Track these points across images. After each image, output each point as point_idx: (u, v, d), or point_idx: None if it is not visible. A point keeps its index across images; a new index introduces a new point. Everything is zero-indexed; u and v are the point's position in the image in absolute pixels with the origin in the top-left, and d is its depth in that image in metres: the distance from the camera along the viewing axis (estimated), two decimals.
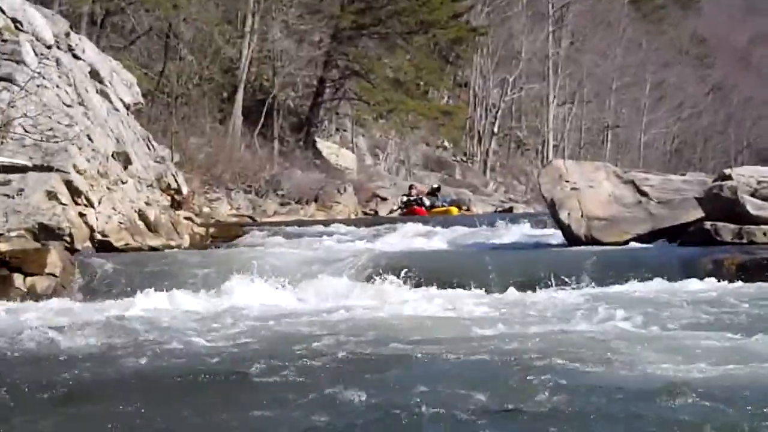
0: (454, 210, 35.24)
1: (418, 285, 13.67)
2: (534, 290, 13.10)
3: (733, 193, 16.43)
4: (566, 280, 13.40)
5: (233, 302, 12.52)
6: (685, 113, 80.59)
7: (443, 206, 35.69)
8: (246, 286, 13.30)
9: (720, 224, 15.98)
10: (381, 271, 14.09)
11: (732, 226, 15.91)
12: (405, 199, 36.20)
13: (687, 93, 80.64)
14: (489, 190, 54.80)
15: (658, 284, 13.04)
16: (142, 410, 6.66)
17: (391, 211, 36.91)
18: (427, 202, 35.48)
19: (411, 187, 38.21)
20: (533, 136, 68.57)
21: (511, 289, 13.19)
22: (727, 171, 17.92)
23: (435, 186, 39.69)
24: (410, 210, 34.83)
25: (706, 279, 13.24)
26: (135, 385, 7.52)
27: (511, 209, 41.26)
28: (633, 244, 17.11)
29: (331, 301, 12.61)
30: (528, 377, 7.26)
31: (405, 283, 13.73)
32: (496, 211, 39.94)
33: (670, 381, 7.02)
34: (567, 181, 18.60)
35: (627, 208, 18.15)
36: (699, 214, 17.10)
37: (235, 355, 8.61)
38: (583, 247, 16.92)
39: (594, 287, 13.09)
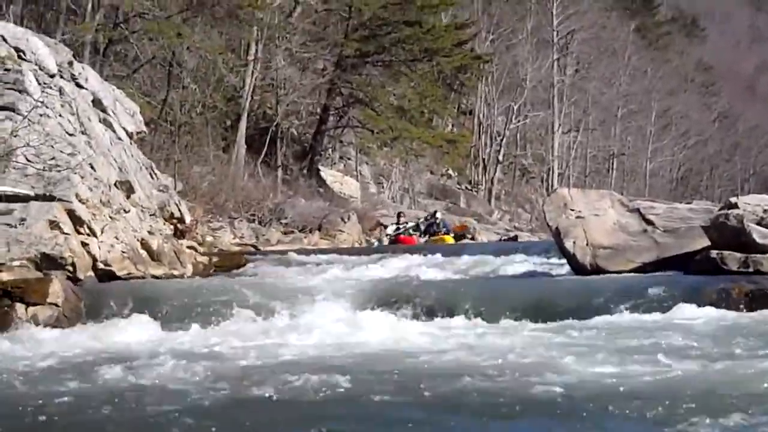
0: (448, 238, 33.31)
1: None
2: (541, 322, 12.98)
3: (739, 222, 16.32)
4: (573, 310, 13.29)
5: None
6: (691, 141, 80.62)
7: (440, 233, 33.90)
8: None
9: (726, 253, 15.86)
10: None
11: (738, 254, 15.80)
12: (393, 228, 34.47)
13: (693, 121, 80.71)
14: (494, 218, 54.76)
15: (663, 313, 12.93)
16: None
17: (379, 242, 34.61)
18: (415, 231, 33.65)
19: (399, 215, 36.43)
20: (538, 164, 68.57)
21: (520, 321, 13.10)
22: (734, 199, 17.82)
23: (431, 213, 37.41)
24: (397, 239, 33.06)
25: (712, 308, 13.12)
26: (132, 420, 7.43)
27: (516, 237, 41.21)
28: (638, 273, 17.01)
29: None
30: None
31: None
32: (500, 240, 39.90)
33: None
34: (572, 210, 18.52)
35: (632, 237, 18.05)
36: (705, 242, 16.99)
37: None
38: (588, 277, 16.83)
39: (599, 316, 12.97)
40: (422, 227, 33.93)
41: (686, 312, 12.93)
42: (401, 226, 33.93)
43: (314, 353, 10.56)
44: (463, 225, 38.75)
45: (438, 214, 36.35)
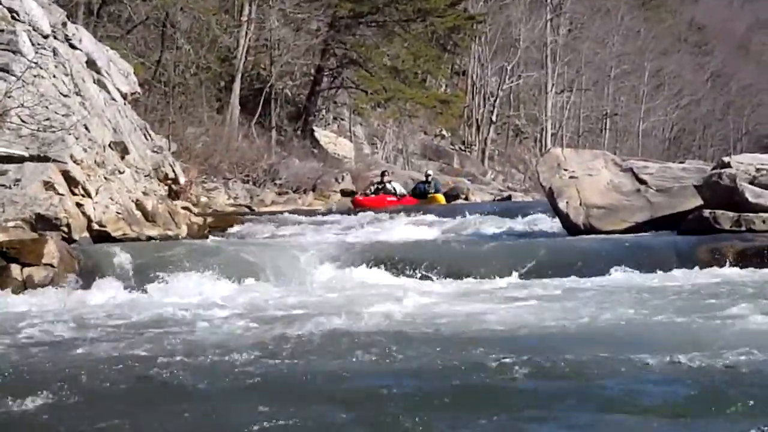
0: (440, 198, 31.73)
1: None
2: (534, 278, 13.08)
3: (732, 181, 16.39)
4: (565, 269, 13.39)
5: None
6: (684, 101, 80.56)
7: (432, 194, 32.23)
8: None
9: (719, 212, 15.94)
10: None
11: (731, 213, 15.88)
12: (374, 187, 30.93)
13: (686, 80, 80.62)
14: (487, 178, 54.76)
15: (656, 273, 13.02)
16: (125, 404, 6.65)
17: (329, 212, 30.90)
18: (399, 190, 30.60)
19: (383, 173, 32.29)
20: (531, 125, 68.54)
21: (511, 278, 13.21)
22: (726, 159, 17.89)
23: (427, 173, 35.44)
24: (355, 202, 29.89)
25: (705, 267, 13.21)
26: (123, 376, 7.48)
27: (509, 198, 41.23)
28: (631, 233, 17.08)
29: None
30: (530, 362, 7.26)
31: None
32: (494, 200, 39.92)
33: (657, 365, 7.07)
34: (565, 170, 18.58)
35: (626, 197, 18.12)
36: (698, 202, 17.07)
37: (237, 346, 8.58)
38: (581, 236, 16.90)
39: (592, 276, 13.05)
40: (398, 189, 30.97)
41: (679, 271, 13.03)
42: (381, 185, 30.37)
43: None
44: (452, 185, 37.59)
45: (430, 172, 35.55)
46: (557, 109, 67.21)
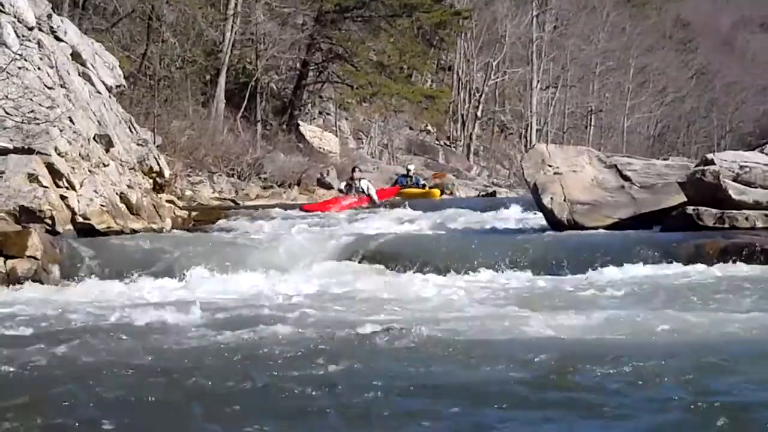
0: (436, 192, 32.76)
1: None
2: (516, 273, 13.14)
3: (715, 178, 16.43)
4: (548, 265, 13.44)
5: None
6: (669, 98, 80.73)
7: (418, 188, 33.00)
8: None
9: (702, 209, 15.98)
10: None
11: (714, 210, 15.91)
12: (344, 184, 27.66)
13: (670, 77, 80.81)
14: (472, 174, 54.82)
15: (639, 269, 13.05)
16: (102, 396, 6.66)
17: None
18: (368, 189, 26.85)
19: (354, 169, 28.85)
20: (517, 121, 68.62)
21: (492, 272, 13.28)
22: (710, 156, 17.91)
23: (408, 167, 36.30)
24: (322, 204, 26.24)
25: (688, 264, 13.24)
26: (105, 371, 7.47)
27: (494, 193, 41.26)
28: (615, 230, 17.12)
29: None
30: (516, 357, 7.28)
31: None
32: (479, 195, 39.99)
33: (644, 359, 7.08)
34: (550, 166, 18.60)
35: (609, 193, 18.16)
36: (681, 198, 17.11)
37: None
38: (564, 232, 16.93)
39: (574, 273, 13.10)
40: (365, 186, 26.96)
41: (662, 268, 13.07)
42: (354, 184, 26.97)
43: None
44: (441, 174, 38.08)
45: (411, 167, 36.26)
46: (542, 105, 67.31)
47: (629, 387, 6.55)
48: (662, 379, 6.69)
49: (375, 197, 26.88)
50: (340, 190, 27.42)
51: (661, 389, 6.50)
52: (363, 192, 26.69)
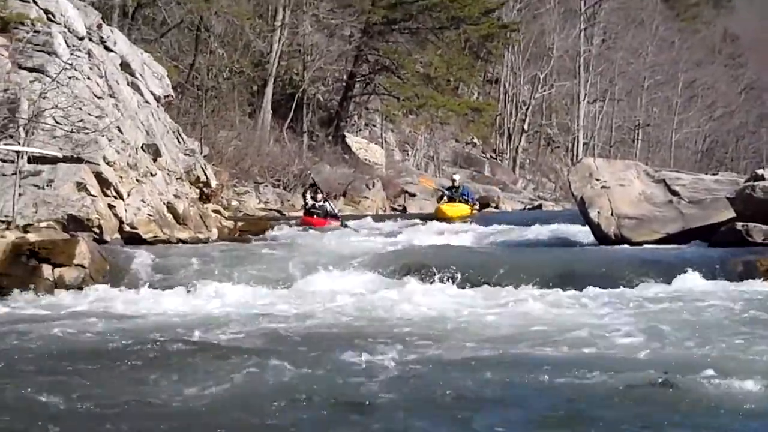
0: (463, 210, 27.65)
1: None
2: (566, 289, 12.99)
3: (765, 194, 16.30)
4: (597, 279, 13.29)
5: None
6: (717, 113, 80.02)
7: (466, 201, 28.29)
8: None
9: (751, 225, 15.85)
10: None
11: (764, 226, 15.78)
12: (310, 204, 24.84)
13: (719, 92, 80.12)
14: (518, 187, 54.63)
15: (689, 284, 12.90)
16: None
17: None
18: (329, 208, 24.90)
19: (314, 188, 26.03)
20: (563, 134, 68.28)
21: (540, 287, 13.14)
22: (760, 171, 17.79)
23: (453, 177, 30.75)
24: (308, 221, 23.96)
25: (737, 280, 13.09)
26: (150, 379, 7.52)
27: (540, 206, 41.14)
28: (662, 244, 16.99)
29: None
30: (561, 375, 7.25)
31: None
32: (525, 209, 39.87)
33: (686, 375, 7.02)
34: (597, 180, 18.51)
35: (657, 208, 18.04)
36: (730, 214, 16.98)
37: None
38: (613, 247, 16.83)
39: (624, 287, 12.96)
40: (328, 207, 25.02)
41: (711, 283, 12.91)
42: (318, 204, 24.71)
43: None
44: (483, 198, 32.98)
45: (457, 177, 30.79)
46: (589, 119, 66.95)
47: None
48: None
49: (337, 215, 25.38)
50: (307, 209, 24.64)
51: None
52: (327, 213, 24.69)
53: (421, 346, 8.75)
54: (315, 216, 24.02)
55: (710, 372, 7.36)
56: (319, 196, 24.94)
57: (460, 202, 27.97)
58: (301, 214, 25.25)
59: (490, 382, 7.28)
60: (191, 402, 6.80)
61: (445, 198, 28.86)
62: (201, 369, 7.78)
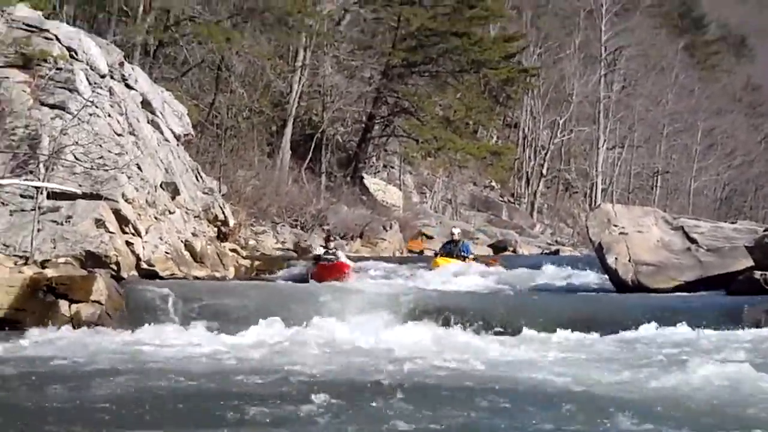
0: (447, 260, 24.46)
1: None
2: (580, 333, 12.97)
3: None
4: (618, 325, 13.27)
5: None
6: (737, 161, 79.83)
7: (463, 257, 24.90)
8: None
9: None
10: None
11: None
12: (322, 251, 23.18)
13: (739, 140, 79.97)
14: (535, 231, 54.54)
15: (705, 332, 12.84)
16: None
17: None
18: (343, 258, 22.59)
19: (328, 237, 24.92)
20: (582, 179, 68.21)
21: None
22: None
23: (453, 231, 27.40)
24: (321, 270, 21.44)
25: (754, 328, 13.03)
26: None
27: (557, 252, 41.01)
28: (680, 292, 16.93)
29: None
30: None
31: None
32: (542, 253, 39.76)
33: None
34: (615, 225, 18.49)
35: (675, 255, 17.99)
36: (748, 262, 16.91)
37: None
38: (631, 294, 16.77)
39: (641, 332, 12.93)
40: (342, 257, 22.90)
41: (730, 332, 12.83)
42: (331, 251, 22.68)
43: None
44: (494, 260, 28.09)
45: (456, 231, 27.54)
46: (608, 165, 66.88)
47: None
48: None
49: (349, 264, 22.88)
50: (317, 257, 22.69)
51: None
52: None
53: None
54: (327, 262, 21.68)
55: None
56: (332, 243, 23.30)
57: (457, 257, 25.05)
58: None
59: None
60: None
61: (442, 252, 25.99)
62: None
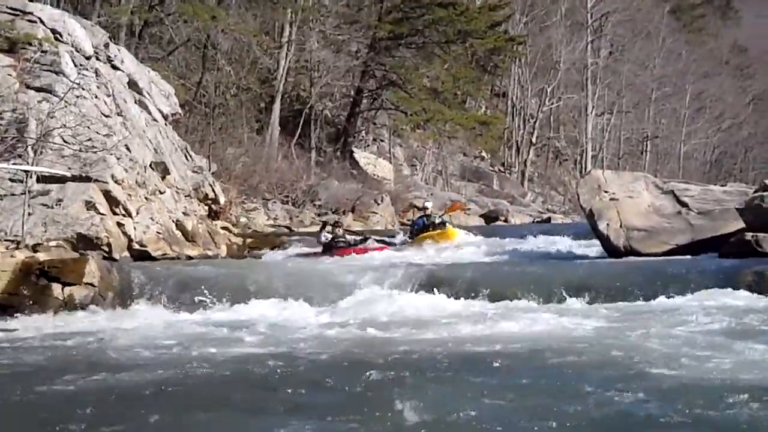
0: (452, 232, 23.53)
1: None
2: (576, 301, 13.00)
3: None
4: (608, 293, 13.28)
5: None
6: (726, 124, 79.93)
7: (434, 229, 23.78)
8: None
9: (761, 235, 15.78)
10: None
11: None
12: (330, 237, 21.87)
13: (727, 103, 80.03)
14: (527, 200, 54.58)
15: (698, 296, 12.86)
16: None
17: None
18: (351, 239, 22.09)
19: (336, 224, 23.15)
20: (571, 147, 68.25)
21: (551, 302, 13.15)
22: None
23: (425, 205, 26.32)
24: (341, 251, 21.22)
25: (747, 290, 13.03)
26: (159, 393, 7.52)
27: (549, 219, 41.07)
28: (672, 256, 16.93)
29: None
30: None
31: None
32: (534, 222, 39.81)
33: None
34: (606, 192, 18.48)
35: (666, 219, 17.99)
36: (740, 225, 16.92)
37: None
38: (623, 259, 16.78)
39: (635, 300, 12.95)
40: (350, 237, 22.73)
41: (722, 296, 12.84)
42: (341, 239, 22.04)
43: None
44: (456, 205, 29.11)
45: (428, 204, 26.57)
46: (597, 131, 66.89)
47: None
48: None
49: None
50: (328, 244, 21.67)
51: None
52: (350, 244, 22.11)
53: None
54: (341, 248, 21.30)
55: None
56: (340, 230, 22.35)
57: (434, 229, 23.93)
58: (311, 229, 24.61)
59: None
60: None
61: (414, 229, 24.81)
62: None
